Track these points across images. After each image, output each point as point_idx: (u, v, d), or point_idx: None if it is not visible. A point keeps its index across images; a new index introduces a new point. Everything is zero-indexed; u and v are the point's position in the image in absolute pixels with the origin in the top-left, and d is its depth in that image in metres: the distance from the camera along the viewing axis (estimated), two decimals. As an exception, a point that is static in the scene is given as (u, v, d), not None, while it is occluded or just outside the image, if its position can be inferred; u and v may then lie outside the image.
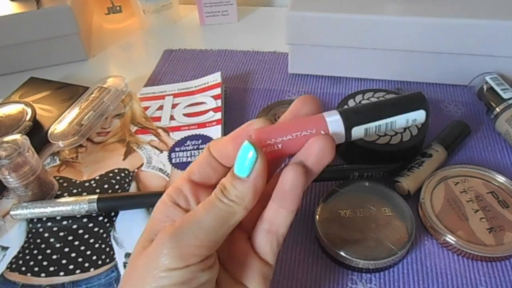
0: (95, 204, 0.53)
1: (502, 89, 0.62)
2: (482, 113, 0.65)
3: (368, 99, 0.62)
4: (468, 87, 0.67)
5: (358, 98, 0.63)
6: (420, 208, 0.52)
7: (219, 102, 0.68)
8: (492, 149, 0.60)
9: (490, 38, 0.62)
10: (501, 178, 0.53)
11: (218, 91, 0.70)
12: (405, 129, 0.57)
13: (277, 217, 0.37)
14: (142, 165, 0.61)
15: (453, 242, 0.48)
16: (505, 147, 0.60)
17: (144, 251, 0.35)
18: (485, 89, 0.64)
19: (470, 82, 0.66)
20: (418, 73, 0.70)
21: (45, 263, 0.50)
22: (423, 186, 0.53)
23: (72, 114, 0.66)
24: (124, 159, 0.62)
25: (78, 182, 0.59)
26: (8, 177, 0.52)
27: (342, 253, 0.47)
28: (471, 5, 0.64)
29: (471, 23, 0.62)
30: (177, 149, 0.63)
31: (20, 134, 0.55)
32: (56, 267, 0.50)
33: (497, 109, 0.61)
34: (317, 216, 0.50)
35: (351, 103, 0.62)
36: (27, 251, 0.52)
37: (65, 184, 0.59)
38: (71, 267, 0.50)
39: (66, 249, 0.51)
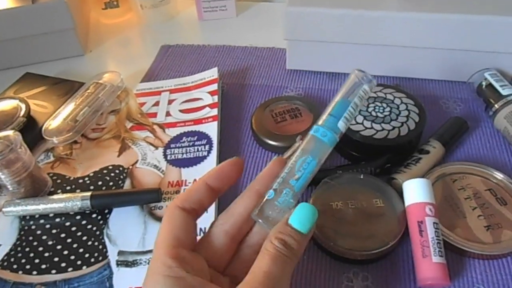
0: (88, 201, 0.53)
1: (501, 86, 0.61)
2: (481, 110, 0.64)
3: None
4: (467, 84, 0.66)
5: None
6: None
7: (215, 98, 0.67)
8: (490, 146, 0.60)
9: (490, 34, 0.62)
10: (499, 175, 0.53)
11: (214, 87, 0.69)
12: (402, 123, 0.57)
13: None
14: (137, 161, 0.60)
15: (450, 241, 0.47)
16: (503, 144, 0.60)
17: None
18: (484, 86, 0.63)
19: (469, 79, 0.66)
20: (417, 69, 0.69)
21: (37, 260, 0.50)
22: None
23: (67, 110, 0.65)
24: (118, 155, 0.61)
25: (72, 179, 0.59)
26: (0, 173, 0.52)
27: (333, 244, 0.46)
28: (470, 1, 0.63)
29: (471, 19, 0.61)
30: (172, 145, 0.62)
31: (12, 130, 0.54)
32: (48, 265, 0.49)
33: (496, 105, 0.60)
34: None
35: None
36: (19, 249, 0.51)
37: (58, 181, 0.58)
38: (63, 265, 0.49)
39: (59, 247, 0.51)
